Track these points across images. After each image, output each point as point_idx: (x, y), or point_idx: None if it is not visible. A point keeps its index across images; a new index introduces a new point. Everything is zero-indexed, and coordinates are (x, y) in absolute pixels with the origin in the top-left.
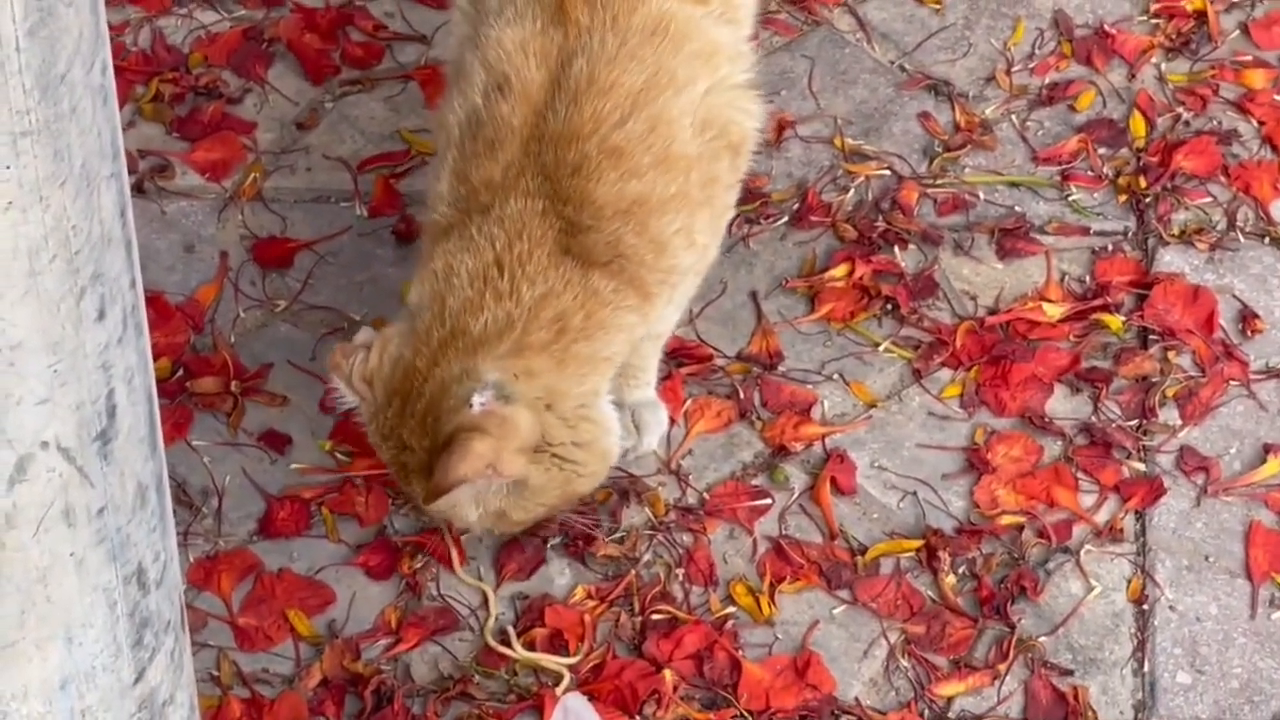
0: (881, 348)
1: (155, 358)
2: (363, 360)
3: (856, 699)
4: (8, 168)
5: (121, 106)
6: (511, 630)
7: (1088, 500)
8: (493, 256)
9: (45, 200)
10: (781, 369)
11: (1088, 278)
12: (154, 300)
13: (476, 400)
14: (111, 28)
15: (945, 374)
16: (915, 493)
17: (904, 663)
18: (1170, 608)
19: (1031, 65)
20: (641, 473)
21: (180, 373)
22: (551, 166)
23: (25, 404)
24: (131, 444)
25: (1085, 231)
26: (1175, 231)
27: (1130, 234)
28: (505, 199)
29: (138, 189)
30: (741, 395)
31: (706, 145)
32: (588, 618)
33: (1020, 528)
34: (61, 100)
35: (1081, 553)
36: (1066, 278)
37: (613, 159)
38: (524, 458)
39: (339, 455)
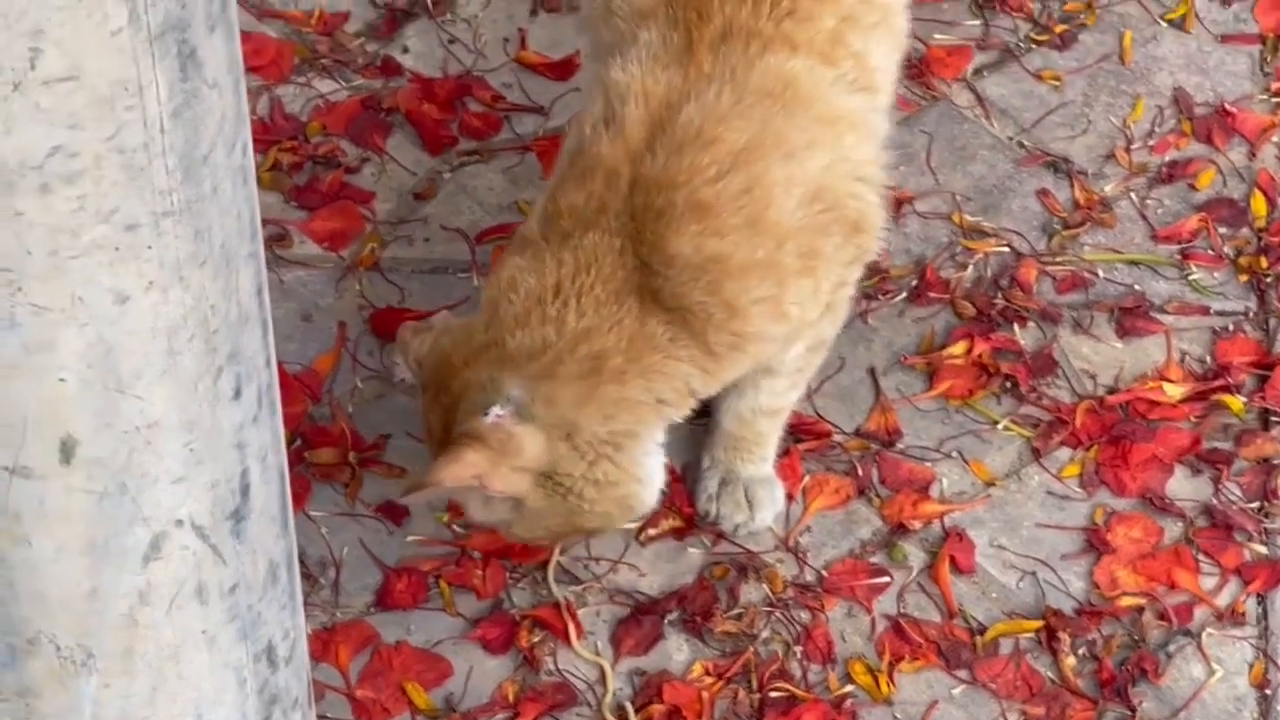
0: (1000, 426)
1: None
2: (420, 341)
3: None
4: (149, 247)
5: None
6: (629, 706)
7: (1209, 583)
8: (554, 281)
9: (185, 280)
10: (900, 446)
11: (1208, 358)
12: None
13: (494, 411)
14: None
15: (1064, 453)
16: (1034, 573)
17: None
18: None
19: (1151, 143)
20: (759, 549)
21: (298, 443)
22: (639, 209)
23: (161, 482)
24: (264, 522)
25: (1205, 311)
26: None
27: (1251, 314)
28: (585, 230)
29: None
30: (860, 472)
31: (813, 217)
32: (705, 694)
33: (1140, 609)
34: (203, 181)
35: (1203, 636)
36: (1187, 357)
37: (697, 213)
38: (524, 478)
39: (456, 527)
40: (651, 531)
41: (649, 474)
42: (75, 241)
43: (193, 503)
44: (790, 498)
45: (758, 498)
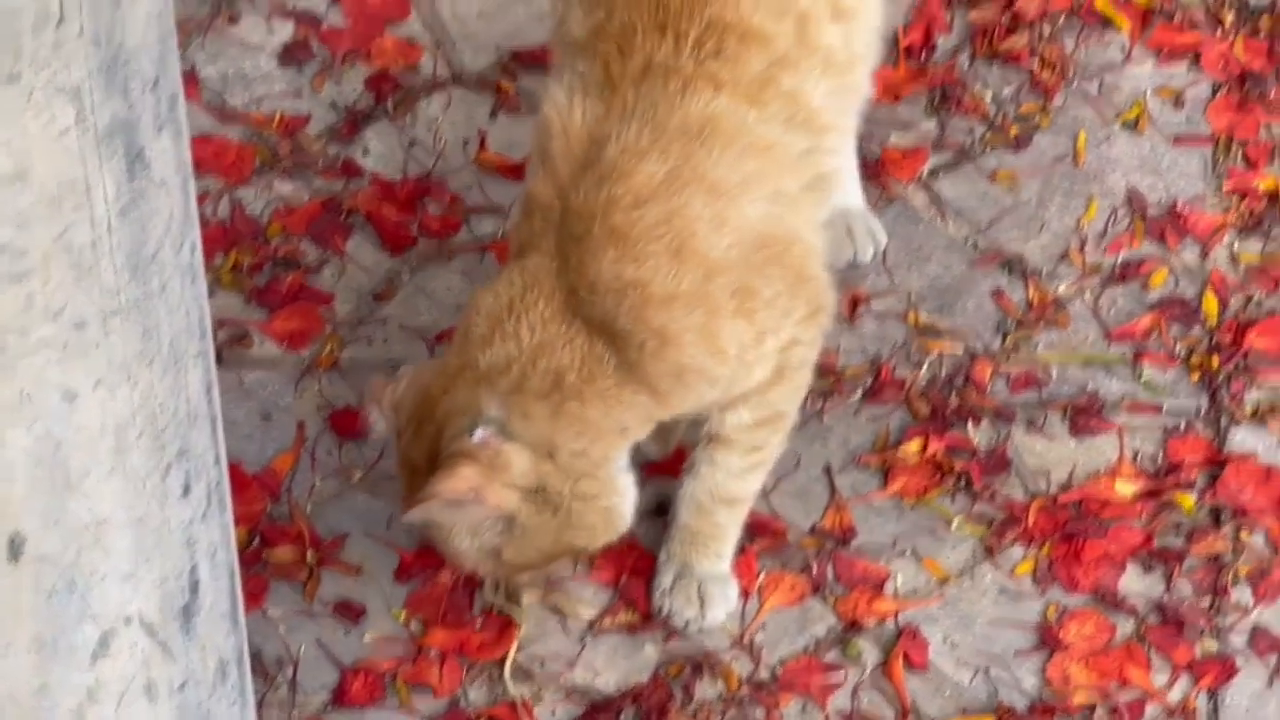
0: (954, 524)
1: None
2: (394, 387)
3: None
4: (98, 346)
5: None
6: None
7: (1160, 679)
8: (507, 299)
9: (133, 378)
10: (854, 544)
11: (1160, 456)
12: (231, 469)
13: (478, 432)
14: None
15: (1018, 550)
16: (988, 669)
17: None
18: None
19: (1104, 243)
20: (714, 646)
21: (257, 542)
22: (567, 237)
23: (110, 579)
24: (214, 619)
25: (1158, 410)
26: (1248, 411)
27: (1203, 413)
28: (529, 254)
29: (216, 358)
30: (815, 569)
31: (747, 256)
32: None
33: (1093, 706)
34: (151, 279)
35: None
36: (1139, 456)
37: (613, 239)
38: (514, 494)
39: (413, 625)
40: (607, 622)
41: (625, 489)
42: (23, 340)
43: (141, 600)
44: (745, 595)
45: (710, 594)
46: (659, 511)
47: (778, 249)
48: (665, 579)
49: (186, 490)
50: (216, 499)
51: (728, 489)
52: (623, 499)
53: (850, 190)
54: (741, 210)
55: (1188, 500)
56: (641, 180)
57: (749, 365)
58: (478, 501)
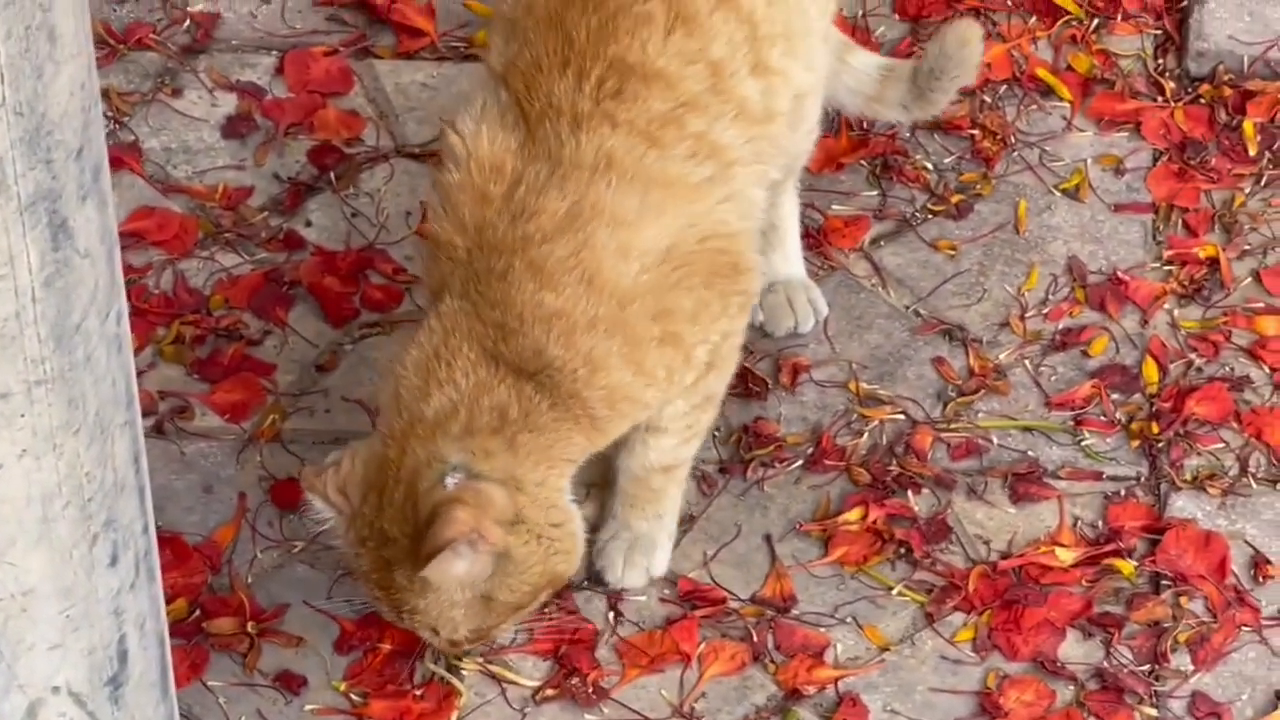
0: (895, 591)
1: (172, 598)
2: (335, 471)
3: None
4: (22, 415)
5: (142, 348)
6: None
7: None
8: (432, 350)
9: (59, 448)
10: (795, 612)
11: (1100, 522)
12: (172, 541)
13: (449, 480)
14: (133, 269)
15: (958, 618)
16: None
17: None
18: None
19: (1045, 311)
20: (655, 716)
21: (197, 613)
22: (481, 273)
23: (37, 649)
24: (143, 688)
25: (1098, 476)
26: (1188, 477)
27: (1143, 479)
28: (441, 297)
29: (157, 430)
30: (755, 638)
31: (662, 277)
32: None
33: None
34: (76, 349)
35: None
36: (1079, 522)
37: (531, 272)
38: (502, 528)
39: (353, 696)
40: (550, 692)
41: (577, 515)
42: None
43: (69, 669)
44: (686, 663)
45: (633, 559)
46: (596, 581)
47: (700, 260)
48: (604, 534)
49: (114, 560)
50: (145, 568)
51: (663, 460)
52: (576, 520)
53: (791, 259)
54: (645, 237)
55: (1128, 566)
56: (547, 216)
57: (680, 382)
58: (481, 539)
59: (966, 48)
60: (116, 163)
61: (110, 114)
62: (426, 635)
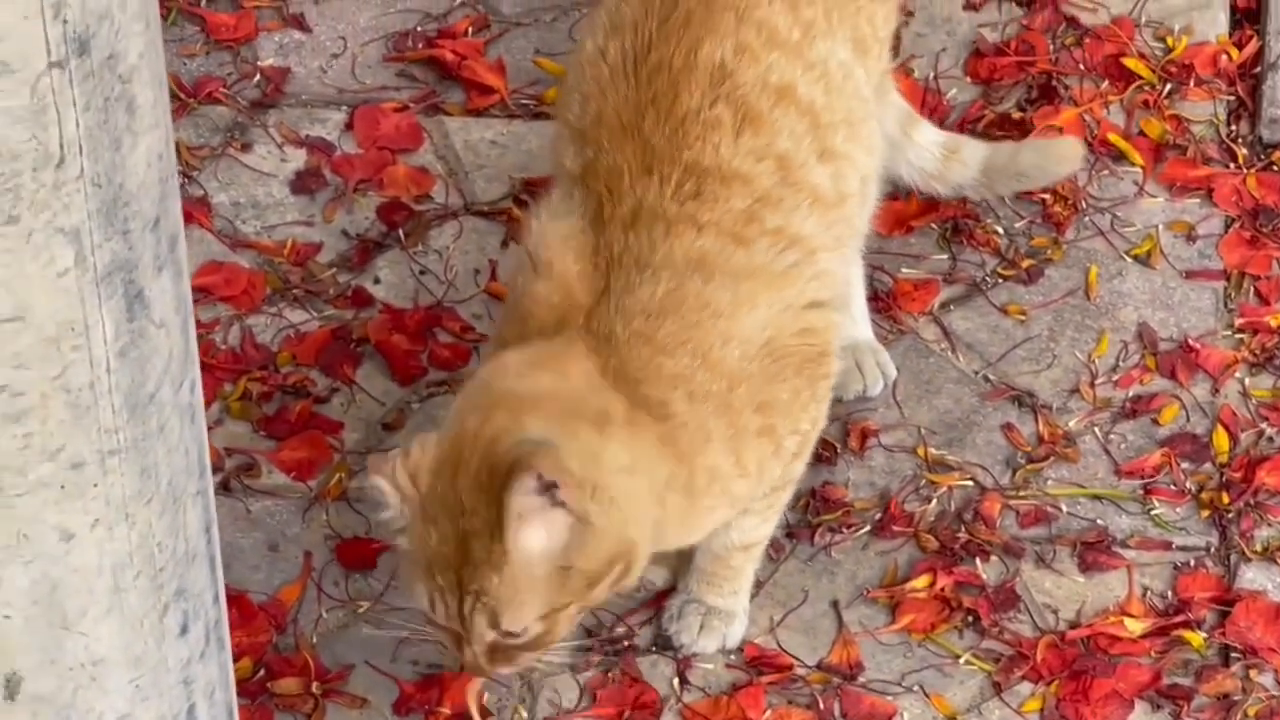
0: (962, 660)
1: (237, 657)
2: (404, 456)
3: None
4: (95, 485)
5: (209, 404)
6: None
7: None
8: (533, 356)
9: (131, 518)
10: (861, 679)
11: (1170, 593)
12: (237, 600)
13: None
14: (201, 325)
15: (1026, 688)
16: None
17: None
18: None
19: (1115, 378)
20: None
21: (262, 673)
22: (590, 330)
23: (107, 718)
24: None
25: (1168, 546)
26: (1258, 548)
27: (1213, 550)
28: (536, 341)
29: (223, 487)
30: (821, 705)
31: (762, 367)
32: None
33: None
34: (150, 419)
35: None
36: (1148, 593)
37: (641, 340)
38: (581, 490)
39: None
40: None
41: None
42: (21, 479)
43: None
44: None
45: (710, 625)
46: (664, 646)
47: (794, 351)
48: (674, 605)
49: (184, 630)
50: (215, 638)
51: (744, 540)
52: (650, 503)
53: (859, 323)
54: (743, 324)
55: (1197, 638)
56: (645, 298)
57: (769, 476)
58: (560, 488)
59: (1064, 165)
60: (186, 218)
61: (180, 169)
62: (483, 630)
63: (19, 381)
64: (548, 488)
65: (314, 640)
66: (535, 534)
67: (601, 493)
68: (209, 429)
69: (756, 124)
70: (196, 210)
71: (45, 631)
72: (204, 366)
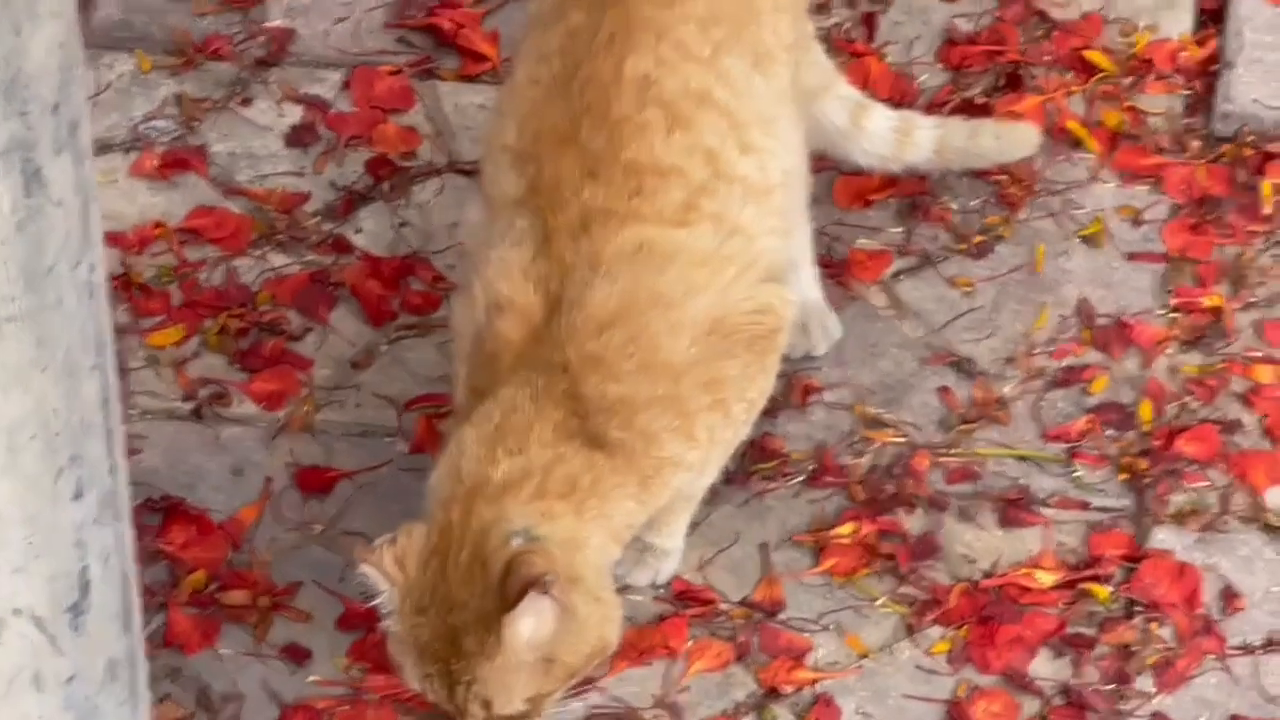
0: (879, 602)
1: (193, 569)
2: (391, 544)
3: None
4: None
5: (190, 337)
6: None
7: None
8: (494, 427)
9: (26, 383)
10: (782, 617)
11: (1083, 550)
12: (198, 517)
13: (515, 542)
14: (190, 264)
15: (937, 631)
16: None
17: None
18: None
19: (1051, 349)
20: (639, 705)
21: (215, 586)
22: (544, 365)
23: (2, 571)
24: (104, 620)
25: (1085, 506)
26: (1171, 512)
27: (1128, 512)
28: (493, 392)
29: (196, 415)
30: (740, 639)
31: (710, 346)
32: None
33: None
34: (47, 292)
35: None
36: (1062, 548)
37: (591, 364)
38: (567, 585)
39: (354, 671)
40: None
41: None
42: None
43: (31, 594)
44: (673, 656)
45: (644, 560)
46: None
47: (735, 328)
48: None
49: (79, 494)
50: (111, 507)
51: (686, 491)
52: (620, 606)
53: (807, 284)
54: (692, 312)
55: (1103, 591)
56: (596, 307)
57: (720, 441)
58: (556, 585)
59: (1020, 149)
60: (183, 164)
61: (182, 120)
62: (476, 711)
63: None
64: (546, 583)
65: (268, 559)
66: (526, 622)
67: (584, 582)
68: (187, 361)
69: (685, 124)
70: (194, 158)
71: None
72: (188, 303)
